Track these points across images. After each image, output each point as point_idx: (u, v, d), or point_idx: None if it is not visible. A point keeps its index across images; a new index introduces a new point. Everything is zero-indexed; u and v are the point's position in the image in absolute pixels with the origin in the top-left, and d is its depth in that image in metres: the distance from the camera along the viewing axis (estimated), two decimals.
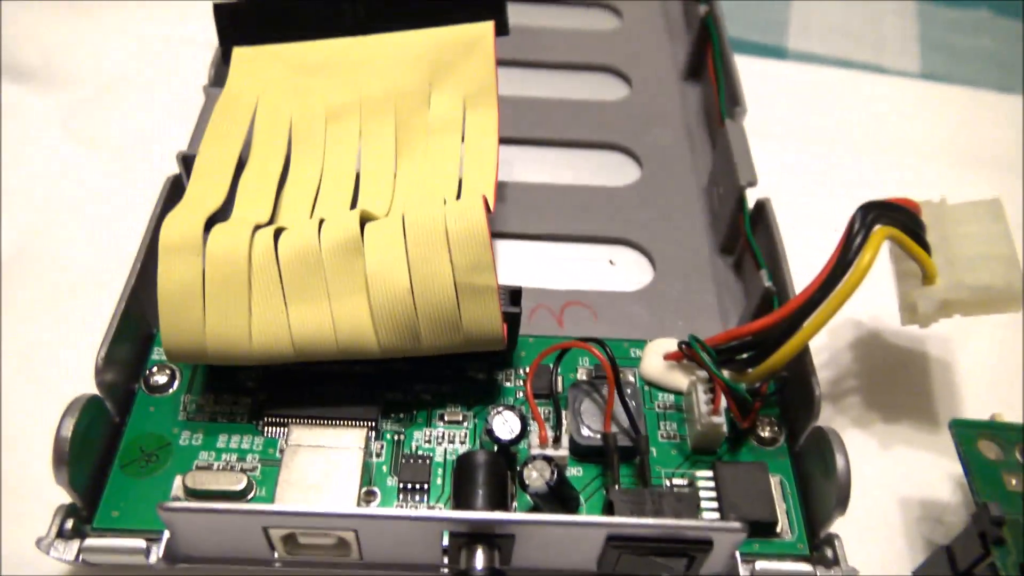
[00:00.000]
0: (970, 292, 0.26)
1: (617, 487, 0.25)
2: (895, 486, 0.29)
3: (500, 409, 0.26)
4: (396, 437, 0.27)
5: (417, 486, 0.26)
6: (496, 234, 0.36)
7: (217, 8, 0.32)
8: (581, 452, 0.27)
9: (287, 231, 0.26)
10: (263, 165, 0.29)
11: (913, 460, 0.30)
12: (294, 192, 0.29)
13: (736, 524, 0.23)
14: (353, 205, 0.29)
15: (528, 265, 0.35)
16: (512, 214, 0.36)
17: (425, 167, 0.30)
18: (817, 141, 0.42)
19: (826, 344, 0.33)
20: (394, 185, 0.30)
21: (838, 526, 0.28)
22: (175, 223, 0.25)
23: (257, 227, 0.26)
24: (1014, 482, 0.25)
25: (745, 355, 0.27)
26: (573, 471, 0.27)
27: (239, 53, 0.32)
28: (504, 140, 0.39)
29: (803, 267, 0.31)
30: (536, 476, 0.24)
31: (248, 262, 0.25)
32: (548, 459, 0.24)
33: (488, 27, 0.31)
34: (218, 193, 0.27)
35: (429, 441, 0.27)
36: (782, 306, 0.27)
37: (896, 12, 0.53)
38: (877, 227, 0.26)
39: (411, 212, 0.26)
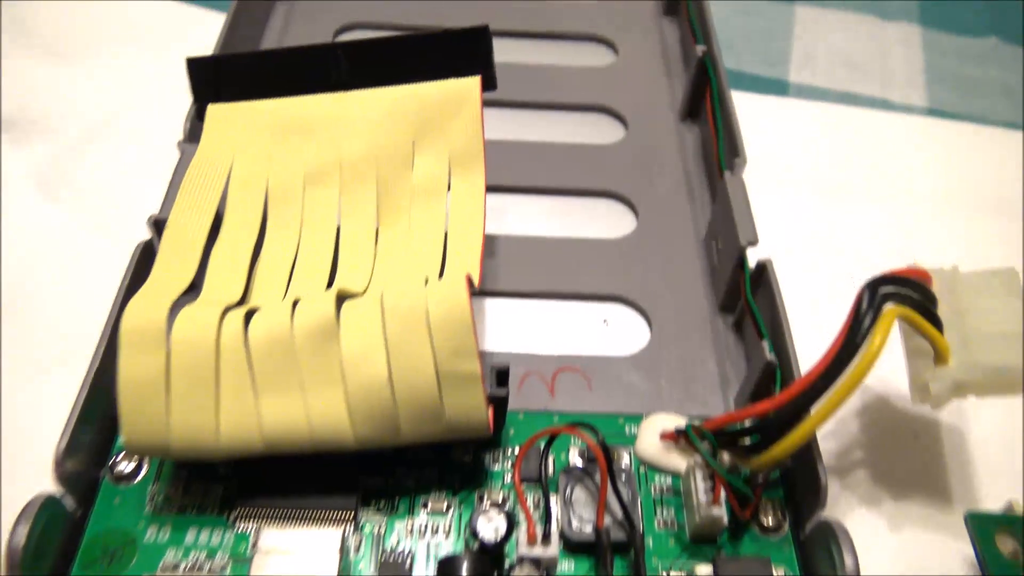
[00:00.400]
0: (985, 374, 0.25)
1: None
2: (906, 571, 0.27)
3: (486, 507, 0.24)
4: (376, 529, 0.26)
5: None
6: (484, 292, 0.34)
7: (191, 63, 0.30)
8: (572, 546, 0.25)
9: (258, 314, 0.25)
10: (236, 236, 0.28)
11: (926, 542, 0.28)
12: (269, 264, 0.28)
13: None
14: (332, 277, 0.28)
15: (517, 326, 0.33)
16: (501, 270, 0.34)
17: (408, 236, 0.29)
18: (820, 186, 0.41)
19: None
20: (375, 255, 0.28)
21: None
22: (138, 309, 0.24)
23: (227, 309, 0.25)
24: None
25: (746, 440, 0.25)
26: (564, 565, 0.25)
27: (214, 111, 0.30)
28: (493, 188, 0.37)
29: (807, 329, 0.29)
30: None
31: (216, 350, 0.24)
32: (536, 563, 0.23)
33: (474, 82, 0.30)
34: (186, 272, 0.26)
35: (411, 532, 0.26)
36: (785, 389, 0.25)
37: (901, 41, 0.51)
38: (887, 307, 0.24)
39: (390, 294, 0.24)
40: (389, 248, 0.29)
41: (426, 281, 0.25)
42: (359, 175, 0.29)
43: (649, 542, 0.26)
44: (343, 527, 0.24)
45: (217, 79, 0.30)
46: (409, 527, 0.26)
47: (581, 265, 0.35)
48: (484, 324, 0.33)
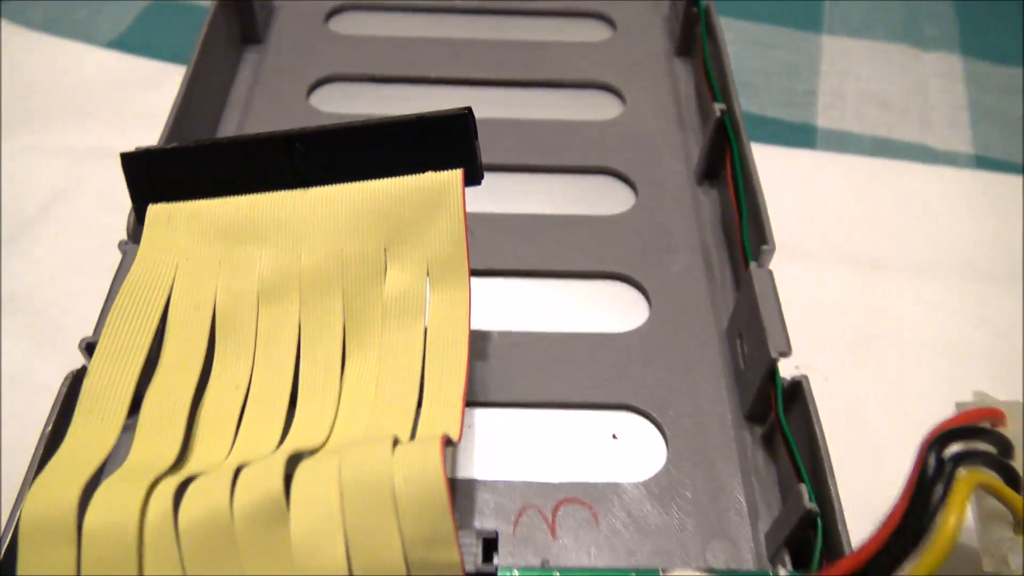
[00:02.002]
0: None
1: None
2: None
3: None
4: None
5: None
6: (474, 403, 0.30)
7: (125, 158, 0.26)
8: None
9: (193, 487, 0.20)
10: (174, 375, 0.24)
11: None
12: (215, 407, 0.24)
13: None
14: (289, 421, 0.24)
15: (513, 442, 0.29)
16: (494, 375, 0.30)
17: (378, 368, 0.24)
18: (855, 256, 0.36)
19: None
20: (339, 392, 0.24)
21: None
22: (44, 493, 0.20)
23: (157, 480, 0.21)
24: None
25: None
26: None
27: (155, 212, 0.26)
28: (483, 272, 0.33)
29: (844, 450, 0.25)
30: None
31: (139, 537, 0.19)
32: None
33: (456, 176, 0.25)
34: (109, 430, 0.22)
35: None
36: (835, 566, 0.21)
37: (940, 74, 0.46)
38: (960, 473, 0.20)
39: (350, 463, 0.20)
40: (357, 380, 0.24)
41: (395, 443, 0.21)
42: (322, 288, 0.25)
43: None
44: None
45: (156, 175, 0.26)
46: None
47: (585, 366, 0.30)
48: (473, 440, 0.29)
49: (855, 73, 0.46)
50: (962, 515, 0.19)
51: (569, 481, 0.28)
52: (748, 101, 0.44)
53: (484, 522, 0.27)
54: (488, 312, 0.32)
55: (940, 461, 0.20)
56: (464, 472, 0.28)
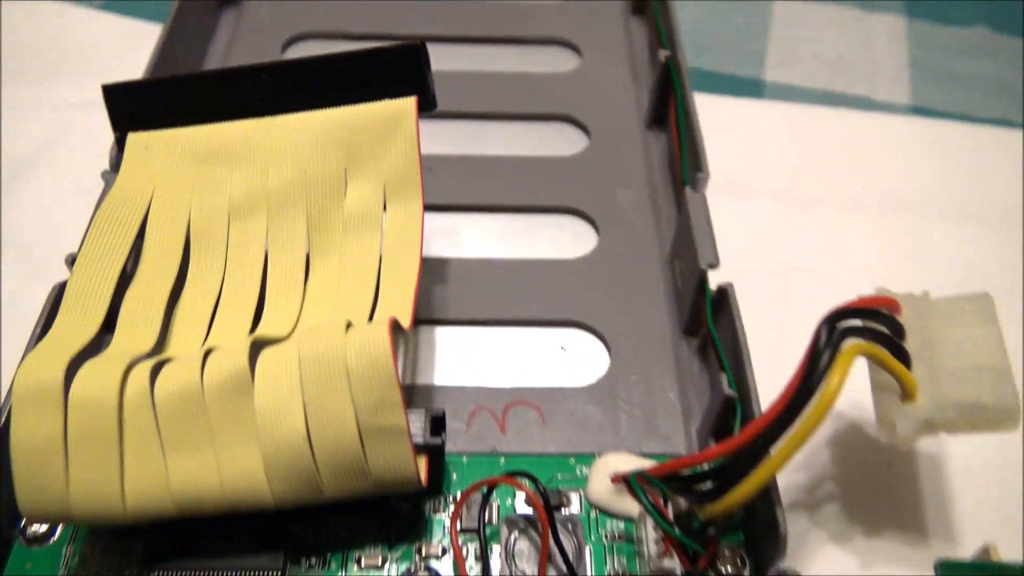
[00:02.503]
0: (956, 411, 0.23)
1: None
2: None
3: (417, 568, 0.22)
4: None
5: None
6: (433, 321, 0.32)
7: (106, 90, 0.29)
8: None
9: (167, 367, 0.23)
10: (152, 277, 0.26)
11: None
12: (189, 308, 0.26)
13: None
14: (257, 319, 0.26)
15: (469, 355, 0.31)
16: (451, 296, 0.33)
17: (339, 273, 0.27)
18: (794, 196, 0.39)
19: None
20: (304, 294, 0.27)
21: None
22: (33, 366, 0.22)
23: (135, 362, 0.23)
24: None
25: (702, 486, 0.24)
26: None
27: (134, 140, 0.29)
28: (445, 207, 0.36)
29: (775, 357, 0.27)
30: None
31: (119, 408, 0.22)
32: None
33: (409, 104, 0.28)
34: (90, 322, 0.24)
35: None
36: (741, 432, 0.23)
37: (886, 35, 0.49)
38: (847, 343, 0.22)
39: (307, 342, 0.23)
40: (319, 286, 0.27)
41: (348, 326, 0.23)
42: (288, 206, 0.28)
43: None
44: None
45: (135, 106, 0.28)
46: None
47: (538, 288, 0.33)
48: (433, 354, 0.31)
49: (804, 34, 0.49)
50: (844, 377, 0.21)
51: (519, 386, 0.30)
52: (701, 59, 0.46)
53: None
54: (449, 242, 0.34)
55: (831, 333, 0.22)
56: (423, 379, 0.30)
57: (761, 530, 0.24)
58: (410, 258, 0.26)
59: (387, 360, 0.22)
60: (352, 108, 0.28)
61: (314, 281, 0.27)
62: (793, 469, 0.29)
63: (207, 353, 0.23)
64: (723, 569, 0.24)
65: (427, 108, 0.29)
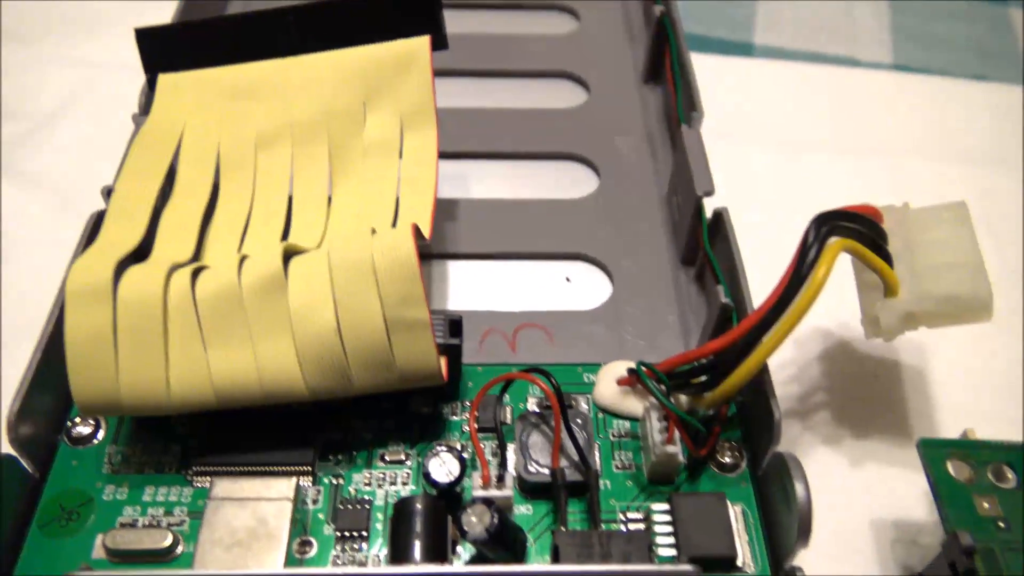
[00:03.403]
0: (935, 303, 0.25)
1: (563, 529, 0.24)
2: (868, 507, 0.28)
3: (438, 449, 0.24)
4: (334, 481, 0.26)
5: (355, 534, 0.24)
6: (446, 255, 0.34)
7: (139, 33, 0.31)
8: (529, 489, 0.25)
9: (206, 270, 0.25)
10: (187, 199, 0.28)
11: (886, 478, 0.28)
12: (222, 226, 0.28)
13: (688, 568, 0.21)
14: (285, 236, 0.28)
15: (480, 287, 0.33)
16: (463, 233, 0.35)
17: (361, 193, 0.29)
18: (786, 141, 0.41)
19: (793, 358, 0.31)
20: (328, 213, 0.28)
21: (809, 552, 0.26)
22: (83, 267, 0.24)
23: (175, 267, 0.25)
24: (986, 505, 0.23)
25: (700, 379, 0.25)
26: (522, 509, 0.25)
27: (164, 80, 0.30)
28: (455, 155, 0.38)
29: (768, 279, 0.29)
30: (475, 522, 0.22)
31: (163, 305, 0.24)
32: (488, 503, 0.23)
33: (424, 42, 0.30)
34: (134, 232, 0.26)
35: (369, 483, 0.26)
36: (736, 327, 0.25)
37: (867, 1, 0.51)
38: (832, 240, 0.24)
39: (336, 246, 0.25)
40: (342, 204, 0.29)
41: (373, 232, 0.25)
42: (311, 137, 0.30)
43: (607, 484, 0.26)
44: (295, 480, 0.24)
45: (166, 49, 0.30)
46: (367, 478, 0.26)
47: (543, 225, 0.35)
48: (447, 286, 0.33)
49: (789, 2, 0.51)
50: (829, 268, 0.23)
51: (528, 311, 0.32)
52: (693, 26, 0.49)
53: None
54: (458, 185, 0.36)
55: (819, 231, 0.24)
56: (436, 306, 0.32)
57: (757, 423, 0.26)
58: (427, 176, 0.28)
59: (411, 258, 0.24)
60: (371, 47, 0.30)
61: (338, 200, 0.29)
62: (787, 382, 0.31)
63: (243, 259, 0.25)
64: (722, 459, 0.26)
65: (440, 46, 0.31)
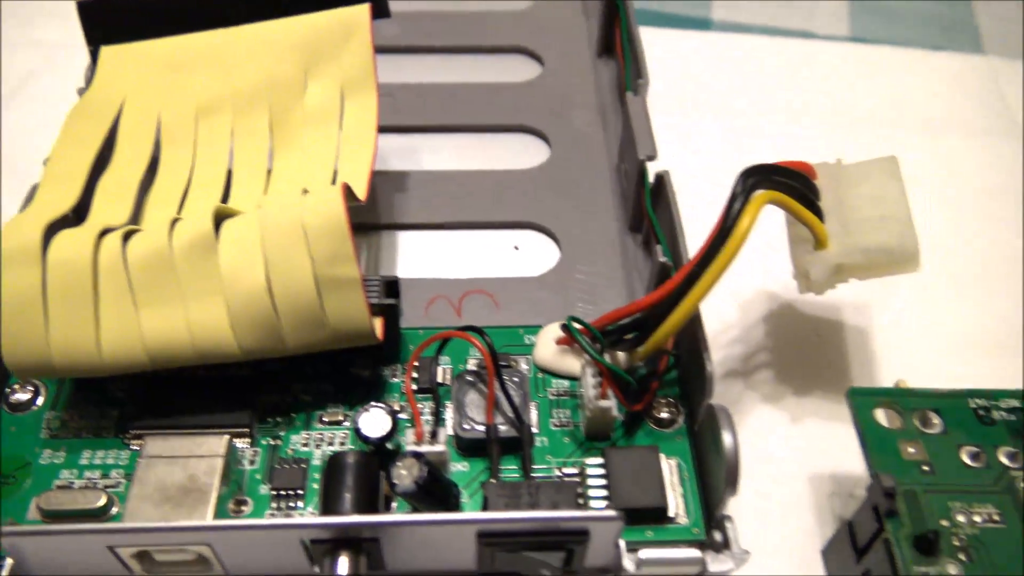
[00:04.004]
0: (863, 255, 0.25)
1: (494, 481, 0.24)
2: (806, 461, 0.28)
3: (370, 406, 0.24)
4: (272, 442, 0.26)
5: (291, 492, 0.25)
6: (396, 225, 0.34)
7: (81, 7, 0.31)
8: (465, 446, 0.26)
9: (138, 233, 0.25)
10: (125, 166, 0.28)
11: (826, 434, 0.28)
12: (160, 195, 0.28)
13: (611, 513, 0.21)
14: (225, 202, 0.28)
15: (429, 256, 0.33)
16: (414, 204, 0.35)
17: (300, 161, 0.29)
18: (740, 110, 0.41)
19: (737, 319, 0.32)
20: (267, 182, 0.29)
21: (748, 507, 0.27)
22: (13, 229, 0.24)
23: (108, 230, 0.25)
24: (911, 450, 0.23)
25: (632, 335, 0.26)
26: (459, 466, 0.26)
27: (107, 52, 0.31)
28: (408, 128, 0.38)
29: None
30: (405, 474, 0.22)
31: (93, 267, 0.24)
32: (418, 456, 0.23)
33: (364, 10, 0.30)
34: (67, 196, 0.26)
35: (307, 444, 0.26)
36: (666, 281, 0.25)
37: None
38: (758, 192, 0.24)
39: (267, 205, 0.25)
40: (283, 172, 0.29)
41: (305, 193, 0.25)
42: (252, 106, 0.30)
43: (544, 441, 0.26)
44: (227, 438, 0.25)
45: (109, 22, 0.30)
46: (305, 439, 0.26)
47: (493, 196, 0.35)
48: (396, 255, 0.33)
49: None
50: (753, 218, 0.24)
51: (475, 277, 0.32)
52: (653, 2, 0.49)
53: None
54: (408, 158, 0.37)
55: (745, 183, 0.24)
56: (386, 273, 0.32)
57: (691, 376, 0.27)
58: (366, 143, 0.28)
59: (340, 216, 0.24)
60: (311, 16, 0.30)
61: (278, 169, 0.29)
62: (730, 343, 0.31)
63: (175, 221, 0.25)
64: (659, 415, 0.27)
65: (381, 14, 0.31)
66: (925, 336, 0.31)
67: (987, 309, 0.32)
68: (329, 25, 0.30)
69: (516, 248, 0.34)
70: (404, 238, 0.34)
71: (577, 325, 0.25)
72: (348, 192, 0.25)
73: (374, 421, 0.24)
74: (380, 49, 0.41)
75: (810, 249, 0.26)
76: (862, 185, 0.26)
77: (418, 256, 0.33)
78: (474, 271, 0.33)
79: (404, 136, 0.38)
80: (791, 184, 0.25)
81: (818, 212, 0.26)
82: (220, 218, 0.25)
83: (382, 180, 0.36)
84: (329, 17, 0.30)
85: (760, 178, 0.25)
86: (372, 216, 0.34)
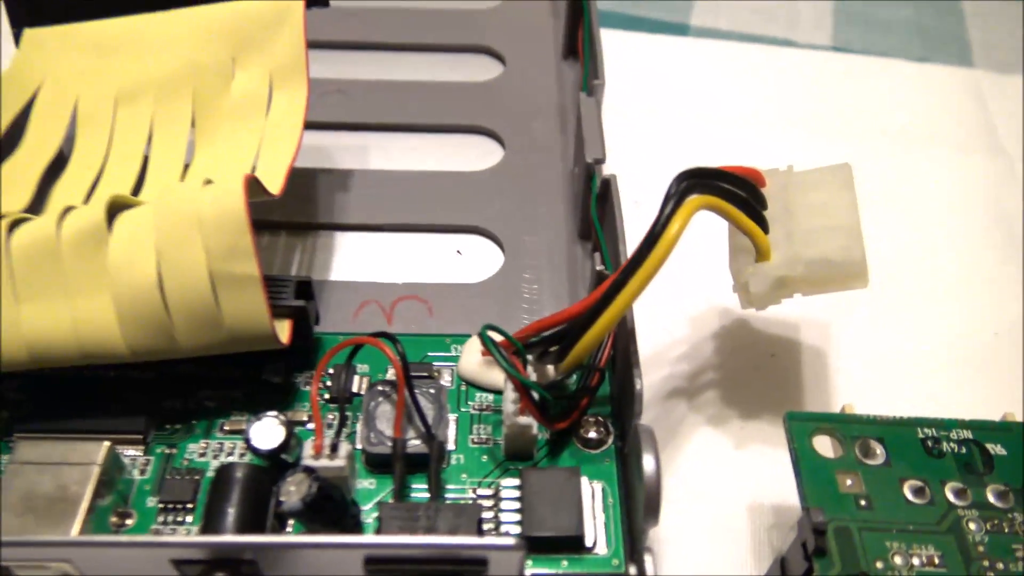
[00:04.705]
0: (805, 267, 0.23)
1: (390, 502, 0.22)
2: (747, 490, 0.26)
3: (264, 415, 0.22)
4: (168, 451, 0.24)
5: (180, 506, 0.23)
6: (335, 226, 0.33)
7: None
8: (373, 461, 0.24)
9: (26, 222, 0.23)
10: (31, 152, 0.27)
11: (769, 460, 0.26)
12: (69, 183, 0.27)
13: (510, 541, 0.19)
14: (136, 194, 0.27)
15: (366, 258, 0.32)
16: (356, 204, 0.33)
17: (222, 153, 0.27)
18: (713, 117, 0.39)
19: (687, 335, 0.30)
20: (184, 175, 0.27)
21: (680, 537, 0.25)
22: None
23: None
24: (849, 482, 0.21)
25: (555, 347, 0.24)
26: (366, 483, 0.24)
27: (29, 35, 0.29)
28: (357, 126, 0.37)
29: None
30: (293, 491, 0.21)
31: None
32: (310, 471, 0.21)
33: None
34: None
35: (204, 454, 0.24)
36: (592, 292, 0.23)
37: None
38: (691, 196, 0.22)
39: (165, 196, 0.23)
40: (202, 165, 0.27)
41: (207, 183, 0.24)
42: (174, 93, 0.28)
43: (460, 458, 0.24)
44: (106, 445, 0.23)
45: (33, 4, 0.29)
46: (203, 448, 0.24)
47: (440, 198, 0.33)
48: (332, 257, 0.32)
49: None
50: (683, 224, 0.22)
51: (411, 282, 0.30)
52: (630, 7, 0.47)
53: (328, 312, 0.29)
54: (356, 157, 0.35)
55: (678, 187, 0.23)
56: (317, 276, 0.31)
57: (624, 396, 0.25)
58: (290, 136, 0.27)
59: (240, 208, 0.22)
60: (243, 2, 0.29)
61: (197, 159, 0.27)
62: (677, 359, 0.29)
63: (67, 210, 0.23)
64: (586, 435, 0.25)
65: (317, 3, 0.29)
66: (886, 358, 0.29)
67: (954, 330, 0.30)
68: (260, 12, 0.29)
69: (459, 253, 0.32)
70: (343, 239, 0.32)
71: (496, 336, 0.24)
72: (254, 185, 0.23)
73: (266, 432, 0.22)
74: (337, 44, 0.41)
75: (751, 261, 0.24)
76: (811, 193, 0.24)
77: (356, 258, 0.32)
78: (412, 276, 0.31)
79: (354, 134, 0.36)
80: (731, 190, 0.23)
81: (762, 221, 0.24)
82: (118, 209, 0.24)
83: (326, 178, 0.34)
84: (261, 5, 0.29)
85: (695, 181, 0.23)
86: (311, 215, 0.33)
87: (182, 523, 0.23)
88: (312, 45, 0.39)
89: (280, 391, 0.26)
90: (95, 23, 0.29)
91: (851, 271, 0.23)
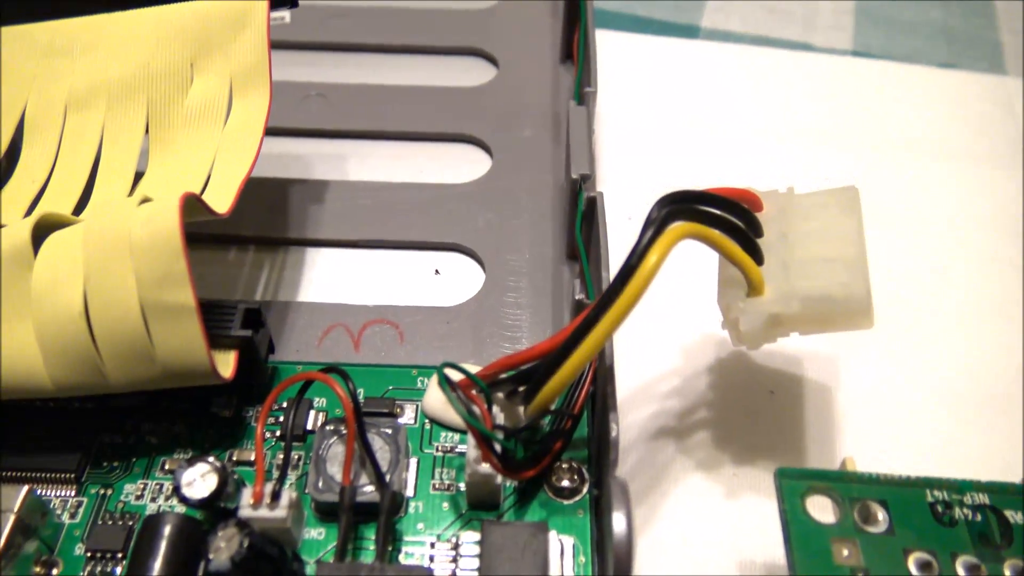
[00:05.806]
0: (802, 304, 0.21)
1: (329, 561, 0.20)
2: (737, 544, 0.23)
3: (196, 458, 0.20)
4: (103, 492, 0.22)
5: (110, 555, 0.21)
6: (304, 241, 0.30)
7: None
8: (323, 509, 0.22)
9: None
10: None
11: (764, 512, 0.24)
12: (10, 195, 0.25)
13: None
14: (82, 207, 0.25)
15: (336, 278, 0.29)
16: (329, 218, 0.31)
17: (176, 164, 0.25)
18: (724, 129, 0.36)
19: (678, 368, 0.27)
20: (133, 187, 0.25)
21: None
22: None
23: None
24: (845, 553, 0.19)
25: (523, 388, 0.22)
26: (312, 533, 0.22)
27: None
28: (337, 133, 0.34)
29: None
30: (222, 548, 0.19)
31: None
32: (243, 525, 0.19)
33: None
34: None
35: (141, 496, 0.22)
36: (568, 324, 0.21)
37: None
38: (674, 224, 0.20)
39: (95, 216, 0.21)
40: (156, 175, 0.25)
41: (144, 201, 0.22)
42: (129, 98, 0.26)
43: (419, 506, 0.22)
44: (24, 490, 0.21)
45: None
46: (141, 489, 0.22)
47: (420, 212, 0.31)
48: (299, 275, 0.30)
49: None
50: (662, 255, 0.19)
51: (383, 304, 0.28)
52: (637, 7, 0.45)
53: (291, 336, 0.27)
54: (333, 166, 0.33)
55: (659, 214, 0.20)
56: (282, 297, 0.29)
57: (600, 440, 0.22)
58: (248, 146, 0.25)
59: (174, 230, 0.20)
60: (203, 3, 0.27)
61: (151, 170, 0.25)
62: (666, 396, 0.27)
63: None
64: (559, 483, 0.22)
65: (283, 4, 0.27)
66: (897, 400, 0.26)
67: (976, 370, 0.27)
68: (221, 13, 0.27)
69: (437, 272, 0.30)
70: (315, 255, 0.30)
71: (455, 374, 0.21)
72: (193, 204, 0.21)
73: (196, 478, 0.20)
74: (320, 46, 0.39)
75: (742, 295, 0.22)
76: (812, 219, 0.22)
77: (327, 276, 0.30)
78: (385, 296, 0.29)
79: (332, 141, 0.34)
80: (720, 215, 0.21)
81: (755, 251, 0.21)
82: (50, 228, 0.22)
83: (298, 190, 0.32)
84: (222, 6, 0.27)
85: (678, 207, 0.20)
86: (282, 230, 0.31)
87: (110, 575, 0.21)
88: (293, 46, 0.38)
89: (229, 425, 0.24)
90: (47, 23, 0.27)
91: (853, 309, 0.20)
